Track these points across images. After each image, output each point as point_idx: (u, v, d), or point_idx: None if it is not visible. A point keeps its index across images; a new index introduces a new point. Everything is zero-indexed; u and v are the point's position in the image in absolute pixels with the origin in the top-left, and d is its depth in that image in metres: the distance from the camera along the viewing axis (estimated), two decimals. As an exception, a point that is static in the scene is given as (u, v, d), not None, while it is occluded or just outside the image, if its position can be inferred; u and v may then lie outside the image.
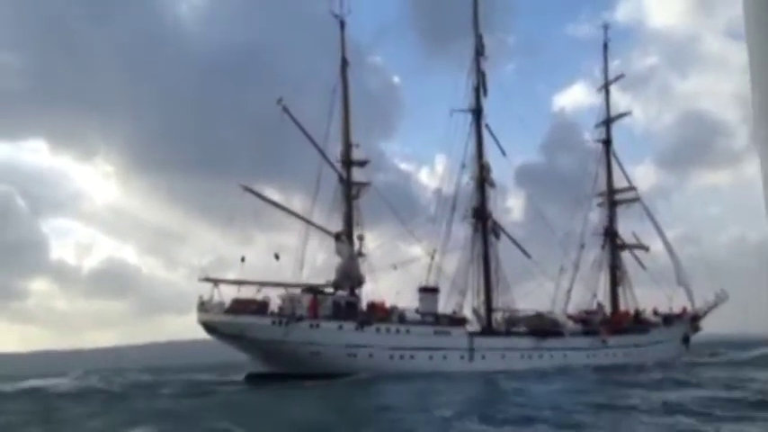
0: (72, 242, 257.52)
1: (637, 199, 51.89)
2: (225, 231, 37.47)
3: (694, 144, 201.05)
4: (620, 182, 54.18)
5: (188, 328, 36.57)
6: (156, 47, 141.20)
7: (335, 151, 41.31)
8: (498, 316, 45.74)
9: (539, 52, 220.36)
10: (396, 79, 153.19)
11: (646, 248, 51.71)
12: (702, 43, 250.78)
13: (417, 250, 44.99)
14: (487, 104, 47.65)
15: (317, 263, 39.75)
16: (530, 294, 49.03)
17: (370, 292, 40.74)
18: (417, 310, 40.92)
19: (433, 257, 43.53)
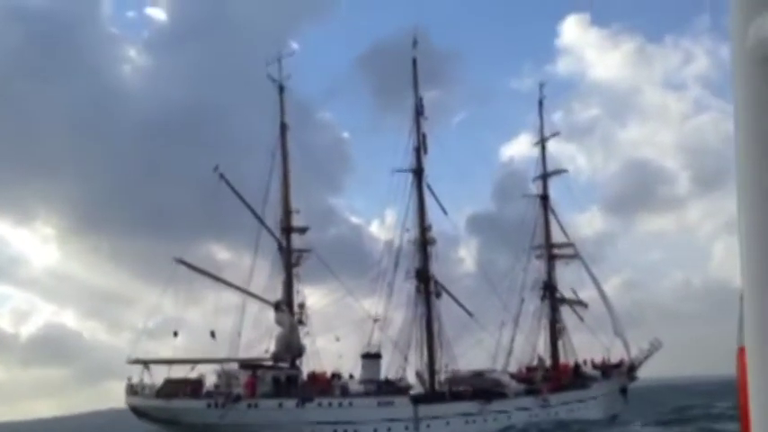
0: (9, 309, 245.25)
1: (575, 255, 51.59)
2: (161, 301, 35.21)
3: (638, 191, 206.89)
4: (559, 236, 53.97)
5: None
6: (98, 108, 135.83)
7: (277, 215, 39.49)
8: (441, 377, 44.47)
9: (485, 104, 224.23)
10: (345, 135, 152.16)
11: (585, 305, 51.37)
12: (642, 94, 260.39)
13: (367, 304, 43.43)
14: (430, 162, 46.78)
15: (254, 333, 37.61)
16: (473, 349, 47.99)
17: (312, 355, 38.88)
18: (360, 380, 39.17)
19: (375, 321, 41.92)
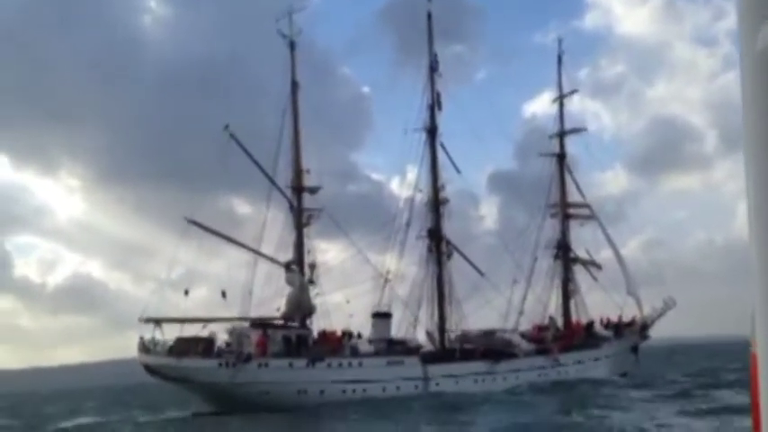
0: (36, 258, 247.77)
1: (590, 216, 50.73)
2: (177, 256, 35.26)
3: (664, 149, 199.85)
4: (577, 196, 52.93)
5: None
6: (119, 58, 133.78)
7: (288, 174, 39.02)
8: (451, 336, 44.45)
9: (509, 60, 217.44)
10: (365, 90, 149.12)
11: (598, 266, 50.75)
12: (671, 50, 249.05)
13: (380, 263, 43.23)
14: (451, 120, 45.84)
15: (266, 292, 37.59)
16: (484, 309, 47.79)
17: (323, 314, 38.90)
18: (370, 339, 39.20)
19: (386, 281, 41.76)
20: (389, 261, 43.20)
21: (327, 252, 41.56)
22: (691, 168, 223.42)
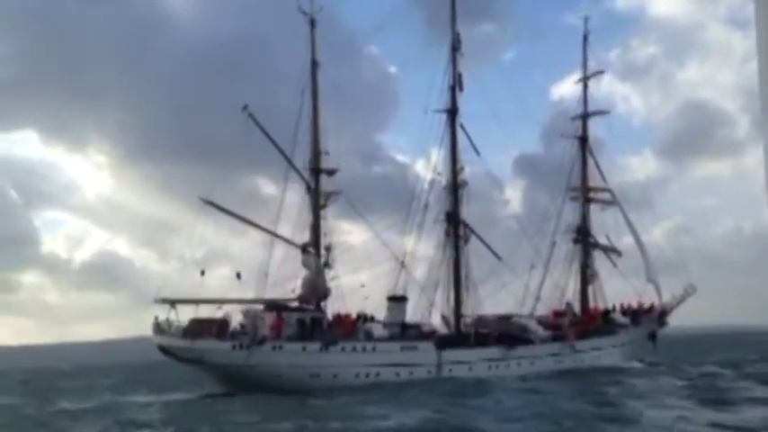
0: (63, 234, 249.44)
1: (611, 202, 49.73)
2: (187, 244, 35.00)
3: (694, 134, 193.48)
4: (599, 180, 51.85)
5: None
6: (149, 35, 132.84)
7: (306, 156, 38.46)
8: (467, 320, 44.06)
9: (539, 40, 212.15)
10: (392, 70, 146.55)
11: (619, 253, 49.94)
12: (704, 31, 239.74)
13: (397, 246, 42.82)
14: (476, 101, 44.87)
15: (282, 273, 37.32)
16: (502, 293, 47.22)
17: (339, 297, 38.60)
18: (384, 323, 38.91)
19: (402, 265, 41.31)
20: (406, 244, 42.77)
21: (345, 234, 41.15)
22: (721, 154, 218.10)
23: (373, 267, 41.96)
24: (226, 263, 50.13)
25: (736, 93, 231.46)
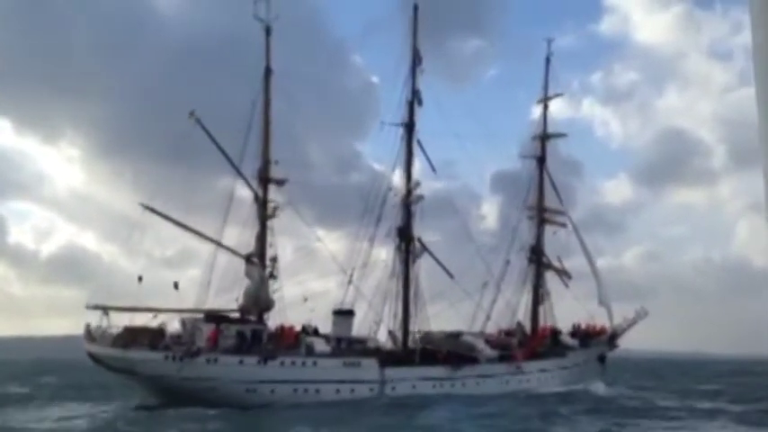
0: (31, 226, 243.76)
1: (564, 224, 49.57)
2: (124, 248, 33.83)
3: (671, 161, 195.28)
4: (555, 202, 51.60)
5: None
6: (128, 31, 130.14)
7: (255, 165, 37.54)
8: (415, 336, 43.30)
9: (524, 59, 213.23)
10: (374, 79, 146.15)
11: (569, 275, 49.69)
12: (686, 61, 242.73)
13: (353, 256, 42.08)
14: (445, 116, 44.40)
15: (225, 285, 36.24)
16: (452, 310, 46.63)
17: (283, 309, 37.58)
18: (327, 337, 37.98)
19: (350, 280, 40.48)
20: (356, 258, 41.94)
21: (291, 244, 40.30)
22: (696, 183, 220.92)
23: (323, 279, 41.18)
24: (197, 264, 48.56)
25: (713, 123, 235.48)
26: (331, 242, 41.58)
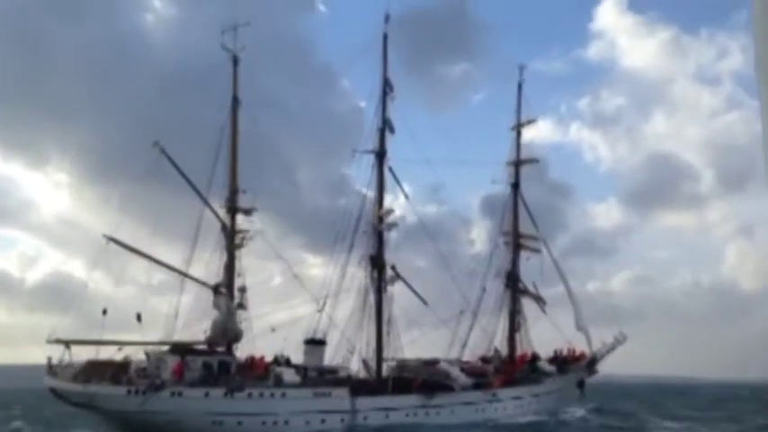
0: (16, 253, 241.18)
1: (538, 251, 49.35)
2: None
3: (659, 185, 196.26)
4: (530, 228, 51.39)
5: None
6: (117, 55, 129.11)
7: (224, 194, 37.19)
8: (389, 364, 42.64)
9: (510, 82, 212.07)
10: (362, 104, 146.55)
11: (544, 301, 49.31)
12: (673, 86, 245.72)
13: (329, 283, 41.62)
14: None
15: (193, 316, 35.63)
16: (428, 338, 46.14)
17: (252, 340, 36.92)
18: (297, 367, 37.29)
19: (321, 309, 39.91)
20: (328, 285, 41.42)
21: (263, 273, 39.81)
22: (684, 207, 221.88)
23: (295, 308, 40.59)
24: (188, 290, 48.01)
25: (701, 147, 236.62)
26: (318, 268, 41.31)
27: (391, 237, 43.68)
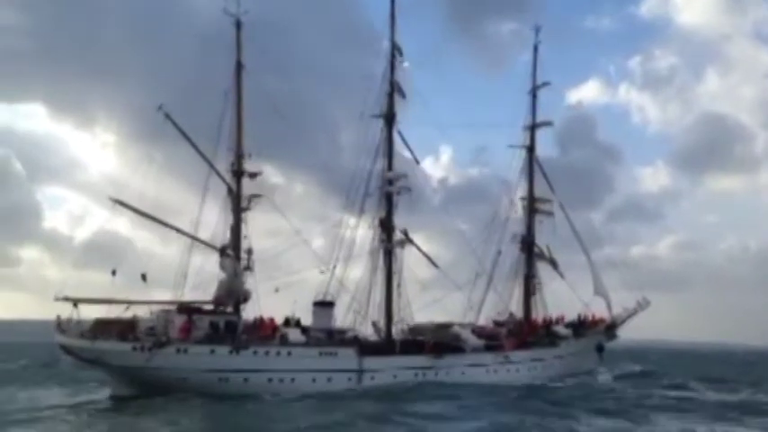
0: (65, 211, 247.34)
1: (551, 213, 48.30)
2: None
3: (710, 147, 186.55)
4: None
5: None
6: (165, 15, 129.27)
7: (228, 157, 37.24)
8: (400, 327, 42.41)
9: (559, 42, 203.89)
10: (406, 64, 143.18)
11: (556, 264, 48.31)
12: (729, 44, 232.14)
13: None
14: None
15: (201, 277, 35.92)
16: (444, 301, 45.70)
17: (258, 302, 37.00)
18: (304, 328, 37.35)
19: (324, 272, 39.85)
20: (337, 249, 41.33)
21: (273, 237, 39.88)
22: (736, 170, 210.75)
23: (305, 271, 40.57)
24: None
25: (756, 108, 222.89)
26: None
27: (412, 200, 43.03)
